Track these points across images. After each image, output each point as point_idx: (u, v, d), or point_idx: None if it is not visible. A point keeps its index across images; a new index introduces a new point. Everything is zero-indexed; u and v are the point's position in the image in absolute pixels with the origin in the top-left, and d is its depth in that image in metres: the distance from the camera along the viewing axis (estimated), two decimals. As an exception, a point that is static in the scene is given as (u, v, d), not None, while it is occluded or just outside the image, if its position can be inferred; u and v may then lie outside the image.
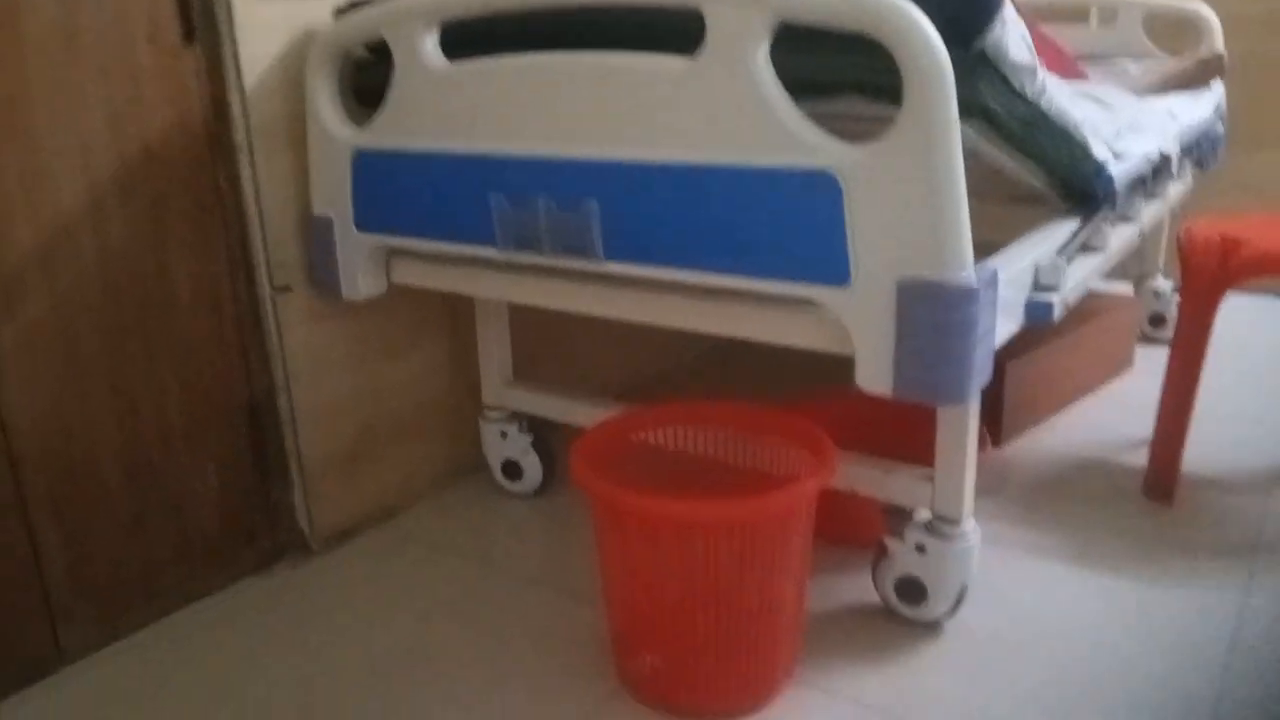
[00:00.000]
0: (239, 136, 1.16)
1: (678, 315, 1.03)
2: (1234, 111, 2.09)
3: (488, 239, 1.08)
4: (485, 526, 1.38)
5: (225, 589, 1.24)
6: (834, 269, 0.86)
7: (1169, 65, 1.84)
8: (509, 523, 1.38)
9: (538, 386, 1.39)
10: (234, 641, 1.13)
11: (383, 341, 1.37)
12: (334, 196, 1.19)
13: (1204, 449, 1.51)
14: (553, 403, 1.35)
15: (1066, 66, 1.69)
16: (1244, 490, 1.39)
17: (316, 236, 1.21)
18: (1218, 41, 1.89)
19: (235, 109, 1.15)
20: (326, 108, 1.16)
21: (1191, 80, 1.75)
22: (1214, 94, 1.77)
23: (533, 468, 1.43)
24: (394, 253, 1.24)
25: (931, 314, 0.82)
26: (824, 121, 0.87)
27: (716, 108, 0.87)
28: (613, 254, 0.99)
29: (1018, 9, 1.32)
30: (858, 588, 1.18)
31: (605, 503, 0.96)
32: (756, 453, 1.11)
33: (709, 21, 0.86)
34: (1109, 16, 2.11)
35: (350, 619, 1.17)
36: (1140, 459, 1.48)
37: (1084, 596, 1.15)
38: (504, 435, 1.42)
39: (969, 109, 0.89)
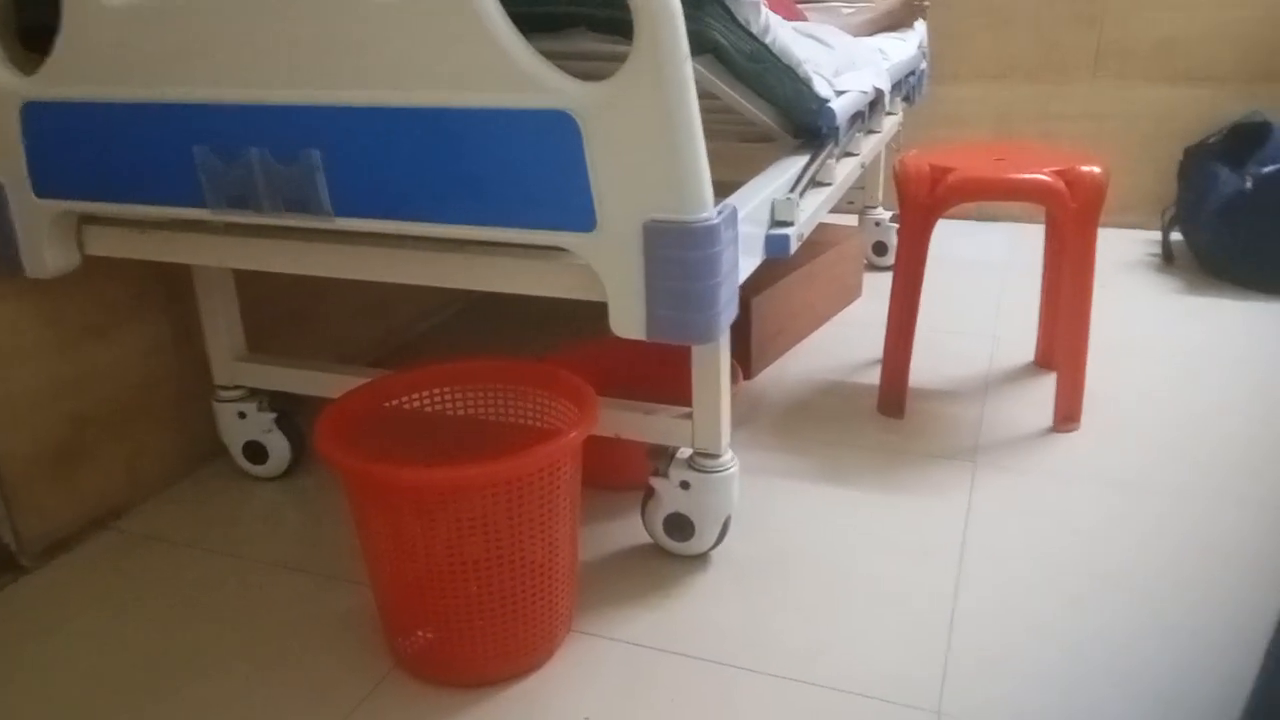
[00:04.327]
0: None
1: (418, 271, 0.97)
2: (937, 47, 2.27)
3: (195, 199, 0.96)
4: (231, 516, 1.26)
5: (-89, 626, 1.06)
6: (579, 214, 0.83)
7: (878, 6, 1.96)
8: (258, 509, 1.28)
9: (277, 359, 1.28)
10: (-73, 685, 0.97)
11: (86, 321, 1.20)
12: (3, 158, 1.02)
13: (928, 363, 1.65)
14: (295, 375, 1.25)
15: (786, 7, 1.75)
16: (964, 399, 1.53)
17: (-16, 206, 1.04)
18: (917, -16, 2.04)
19: None
20: (-21, 53, 0.99)
21: (898, 21, 1.87)
22: (918, 33, 1.90)
23: (279, 448, 1.32)
24: (86, 220, 1.08)
25: (678, 255, 0.82)
26: (556, 60, 0.83)
27: (440, 44, 0.82)
28: (342, 209, 0.91)
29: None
30: (629, 530, 1.19)
31: (357, 477, 0.89)
32: (519, 408, 1.09)
33: (425, -49, 0.79)
34: (822, -40, 2.21)
35: (77, 637, 1.03)
36: (874, 378, 1.60)
37: (832, 512, 1.23)
38: (242, 415, 1.30)
39: (699, 44, 0.88)
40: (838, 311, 1.92)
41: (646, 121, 0.79)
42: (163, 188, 0.97)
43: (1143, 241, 2.28)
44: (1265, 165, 1.95)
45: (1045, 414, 1.46)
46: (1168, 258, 2.15)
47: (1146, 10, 2.24)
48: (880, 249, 2.21)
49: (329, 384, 1.21)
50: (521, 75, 0.81)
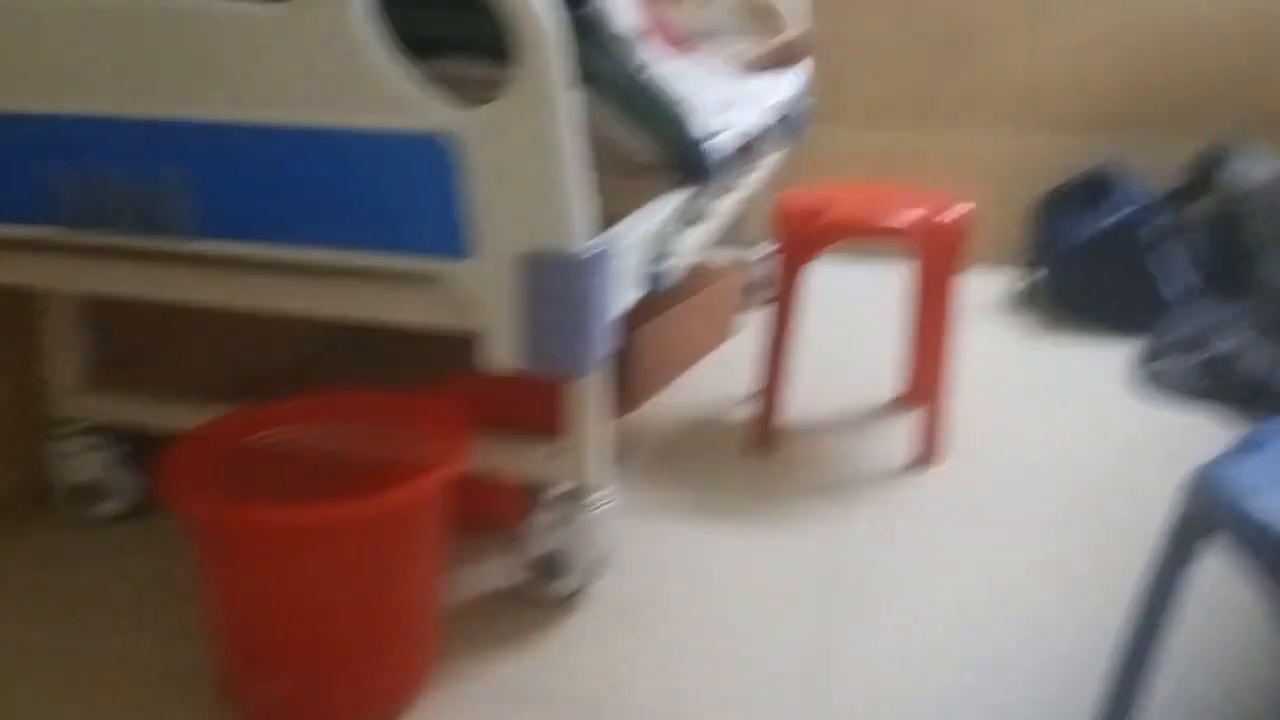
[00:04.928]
0: None
1: (282, 298, 0.92)
2: (818, 88, 2.34)
3: (44, 216, 0.89)
4: (67, 563, 1.16)
5: None
6: (453, 241, 0.81)
7: (761, 47, 2.00)
8: (97, 555, 1.18)
9: (124, 392, 1.20)
10: None
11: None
12: None
13: (801, 399, 1.68)
14: (144, 409, 1.17)
15: (674, 43, 1.77)
16: (834, 435, 1.56)
17: None
18: (802, 26, 2.09)
19: None
20: None
21: (780, 61, 1.92)
22: (800, 74, 1.95)
23: (123, 488, 1.23)
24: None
25: (556, 286, 0.80)
26: (437, 83, 0.81)
27: (313, 62, 0.78)
28: (201, 230, 0.86)
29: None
30: (501, 573, 1.15)
31: (207, 520, 0.83)
32: (388, 444, 1.04)
33: (294, -35, 0.76)
34: (706, -1, 2.25)
35: (-125, 700, 0.93)
36: (749, 414, 1.61)
37: (705, 551, 1.22)
38: (82, 452, 1.20)
39: (579, 75, 0.87)
40: (717, 346, 1.94)
41: (526, 148, 0.77)
42: (9, 204, 0.89)
43: (1003, 282, 2.39)
44: (1114, 212, 2.08)
45: (911, 449, 1.50)
46: (1025, 298, 2.26)
47: (1008, 63, 2.36)
48: (760, 285, 2.24)
49: (181, 417, 1.13)
50: (396, 97, 0.78)
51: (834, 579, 1.16)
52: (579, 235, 0.80)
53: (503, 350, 0.83)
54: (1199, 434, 1.58)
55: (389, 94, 0.78)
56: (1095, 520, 1.30)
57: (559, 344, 0.81)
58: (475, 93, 0.86)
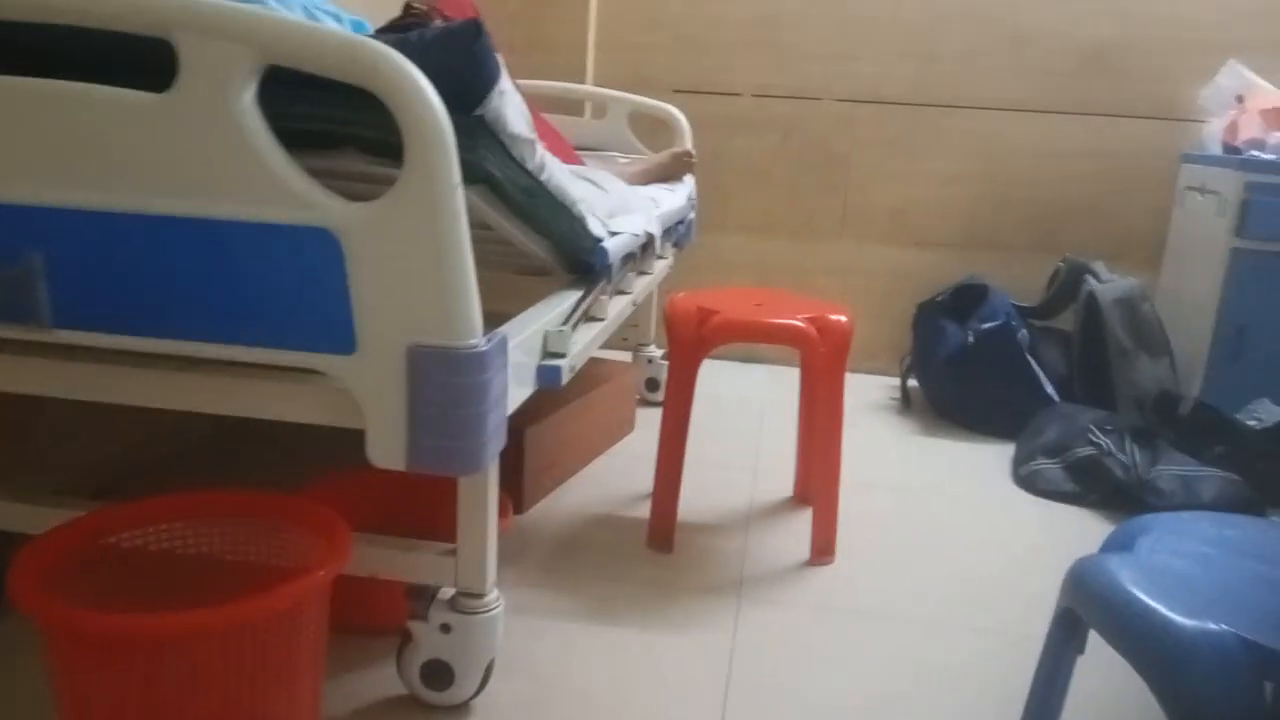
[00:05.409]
0: None
1: (150, 392, 0.88)
2: (705, 200, 2.43)
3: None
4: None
5: None
6: (337, 335, 0.79)
7: (650, 159, 2.08)
8: (-73, 668, 1.07)
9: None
10: None
11: None
12: None
13: (696, 497, 1.68)
14: (-6, 508, 1.09)
15: (564, 152, 1.81)
16: (729, 533, 1.56)
17: None
18: (688, 140, 2.19)
19: None
20: None
21: (668, 172, 1.99)
22: (687, 185, 2.03)
23: (-35, 592, 1.13)
24: None
25: (443, 382, 0.79)
26: (326, 178, 0.81)
27: (193, 152, 0.77)
28: (64, 320, 0.82)
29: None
30: (383, 679, 1.10)
31: (59, 627, 0.77)
32: (263, 545, 0.99)
33: (181, 55, 0.75)
34: (600, 111, 2.34)
35: None
36: (645, 512, 1.60)
37: (599, 652, 1.19)
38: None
39: (472, 174, 0.88)
40: (611, 445, 1.94)
41: (413, 245, 0.77)
42: None
43: (884, 386, 2.48)
44: (984, 322, 2.20)
45: (804, 547, 1.52)
46: (905, 401, 2.34)
47: (881, 183, 2.52)
48: (652, 385, 2.27)
49: (34, 518, 1.06)
50: (281, 190, 0.77)
51: (729, 676, 1.14)
52: (466, 331, 0.79)
53: (387, 448, 0.81)
54: (1072, 532, 1.65)
55: (274, 187, 0.77)
56: (980, 618, 1.33)
57: (445, 442, 0.80)
58: (365, 188, 0.86)
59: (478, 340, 0.80)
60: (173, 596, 0.96)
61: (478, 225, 0.99)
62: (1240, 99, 2.21)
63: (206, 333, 0.81)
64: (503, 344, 0.85)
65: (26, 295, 0.81)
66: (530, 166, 1.00)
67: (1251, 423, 1.87)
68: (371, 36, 0.87)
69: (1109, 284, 2.15)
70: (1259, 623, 0.69)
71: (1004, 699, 1.14)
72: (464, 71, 0.84)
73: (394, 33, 0.94)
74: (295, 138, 0.80)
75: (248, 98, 0.77)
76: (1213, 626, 0.67)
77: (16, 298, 0.82)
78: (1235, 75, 2.23)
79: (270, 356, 0.81)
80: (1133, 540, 0.84)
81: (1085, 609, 0.79)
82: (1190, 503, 1.66)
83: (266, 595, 0.79)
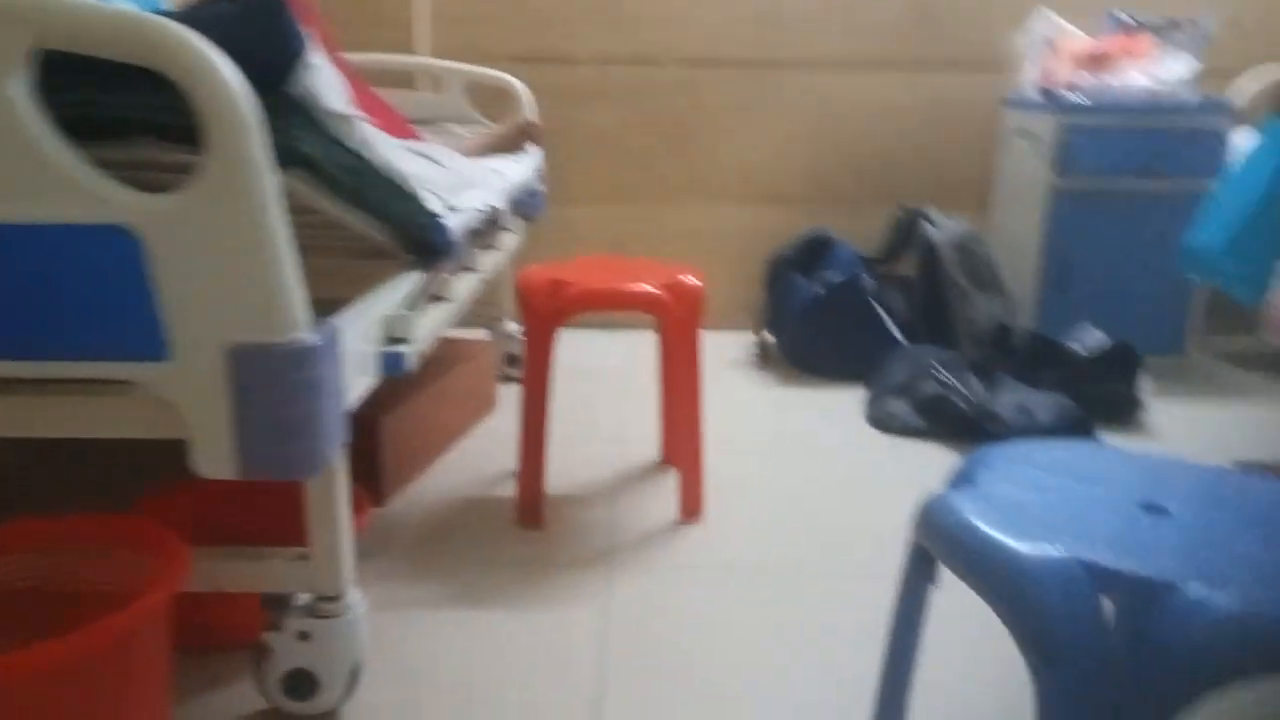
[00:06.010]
0: None
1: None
2: (552, 171, 2.40)
3: None
4: None
5: None
6: (146, 341, 0.73)
7: (491, 130, 2.02)
8: None
9: None
10: None
11: None
12: None
13: (563, 470, 1.67)
14: None
15: (398, 127, 1.74)
16: (598, 503, 1.56)
17: None
18: (529, 110, 2.14)
19: None
20: None
21: (511, 143, 1.94)
22: (533, 156, 1.99)
23: None
24: None
25: (270, 381, 0.74)
26: (124, 170, 0.74)
27: (-39, 150, 0.69)
28: None
29: (343, 67, 1.31)
30: (238, 696, 1.04)
31: None
32: (89, 571, 0.91)
33: (-70, 40, 0.67)
34: (437, 84, 2.26)
35: None
36: (513, 490, 1.58)
37: (473, 638, 1.17)
38: None
39: (287, 157, 0.83)
40: (473, 425, 1.90)
41: (222, 237, 0.72)
42: None
43: (741, 343, 2.53)
44: (831, 274, 2.26)
45: (672, 510, 1.53)
46: (762, 356, 2.39)
47: (726, 144, 2.54)
48: (512, 360, 2.23)
49: None
50: (66, 185, 0.70)
51: (607, 647, 1.14)
52: (291, 325, 0.75)
53: (215, 457, 0.76)
54: (923, 466, 1.72)
55: (59, 182, 0.70)
56: (845, 562, 1.37)
57: (278, 446, 0.75)
58: (165, 179, 0.80)
59: (304, 334, 0.75)
60: (3, 634, 0.88)
61: (303, 210, 0.93)
62: (1051, 44, 2.33)
63: (5, 348, 0.73)
64: (334, 335, 0.80)
65: None
66: (350, 144, 0.95)
67: (1075, 346, 1.99)
68: (165, 14, 0.80)
69: (944, 228, 2.25)
70: (1095, 542, 0.72)
71: (875, 637, 1.18)
72: (266, 47, 0.78)
73: (190, 10, 0.86)
74: (83, 127, 0.73)
75: (21, 85, 0.69)
76: (1052, 550, 0.71)
77: None
78: (1046, 22, 2.35)
79: (74, 370, 0.74)
80: (974, 473, 0.88)
81: (934, 545, 0.81)
82: (1030, 428, 1.76)
83: (90, 628, 0.73)
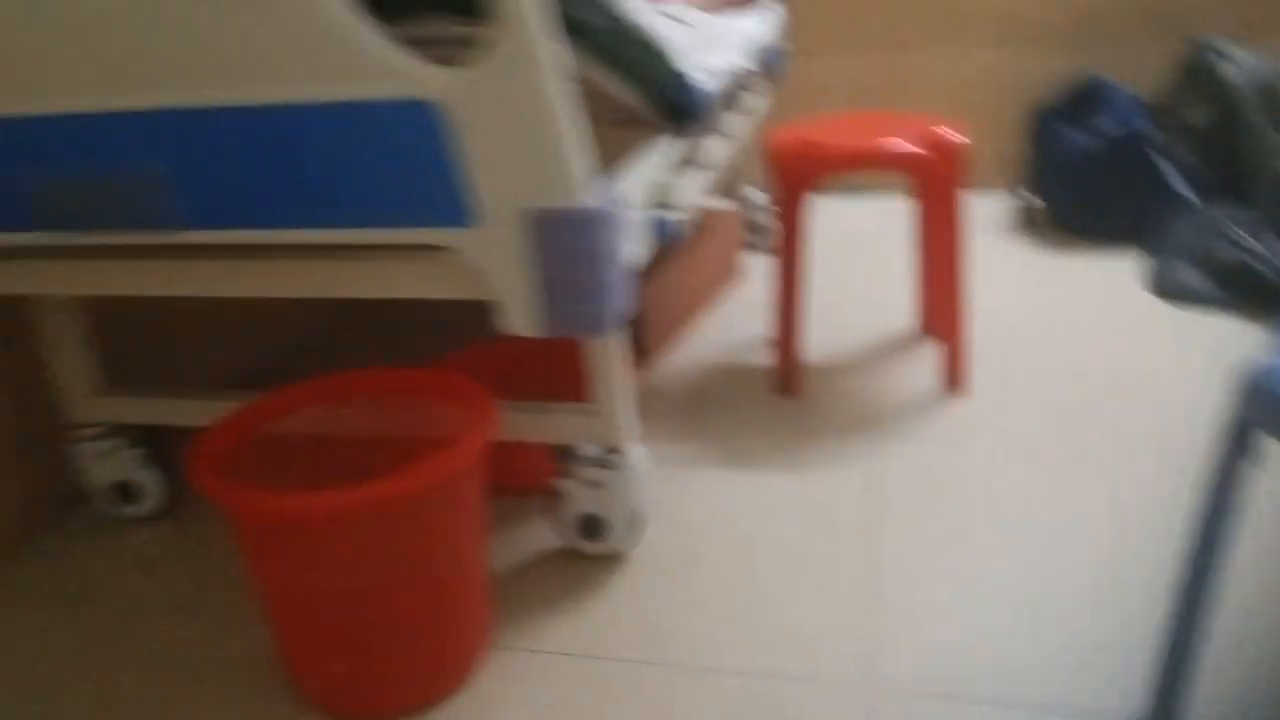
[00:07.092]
0: None
1: (281, 283, 0.91)
2: (791, 25, 2.30)
3: (19, 220, 0.87)
4: (102, 565, 1.16)
5: None
6: (453, 208, 0.79)
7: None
8: (133, 554, 1.18)
9: (140, 390, 1.19)
10: None
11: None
12: None
13: (817, 339, 1.67)
14: (162, 406, 1.16)
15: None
16: (856, 373, 1.55)
17: None
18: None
19: None
20: None
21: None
22: (776, 11, 1.92)
23: (153, 485, 1.22)
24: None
25: (568, 243, 0.78)
26: (414, 47, 0.79)
27: (284, 36, 0.76)
28: (190, 221, 0.84)
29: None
30: (541, 535, 1.15)
31: (244, 508, 0.83)
32: (412, 419, 1.03)
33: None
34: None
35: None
36: (765, 359, 1.60)
37: (742, 498, 1.21)
38: (106, 454, 1.20)
39: (561, 25, 0.85)
40: (720, 294, 1.92)
41: (517, 106, 0.75)
42: (-15, 214, 0.88)
43: (999, 204, 2.37)
44: (1111, 124, 2.04)
45: (934, 380, 1.49)
46: (1025, 218, 2.23)
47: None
48: (755, 228, 2.22)
49: (200, 412, 1.13)
50: (373, 64, 0.75)
51: (874, 515, 1.16)
52: (582, 190, 0.78)
53: (519, 316, 0.82)
54: (1224, 339, 1.57)
55: (366, 62, 0.75)
56: (1129, 438, 1.29)
57: (577, 304, 0.80)
58: (450, 53, 0.84)
59: (594, 199, 0.79)
60: (337, 473, 1.02)
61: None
62: None
63: (322, 219, 0.82)
64: (620, 200, 0.83)
65: (146, 201, 0.84)
66: (614, 7, 0.96)
67: None
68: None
69: (1244, 66, 1.96)
70: None
71: (1172, 522, 1.11)
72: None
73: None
74: (377, 7, 0.78)
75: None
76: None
77: (138, 204, 0.84)
78: None
79: (388, 236, 0.82)
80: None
81: (1263, 417, 0.74)
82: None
83: (422, 467, 0.82)
